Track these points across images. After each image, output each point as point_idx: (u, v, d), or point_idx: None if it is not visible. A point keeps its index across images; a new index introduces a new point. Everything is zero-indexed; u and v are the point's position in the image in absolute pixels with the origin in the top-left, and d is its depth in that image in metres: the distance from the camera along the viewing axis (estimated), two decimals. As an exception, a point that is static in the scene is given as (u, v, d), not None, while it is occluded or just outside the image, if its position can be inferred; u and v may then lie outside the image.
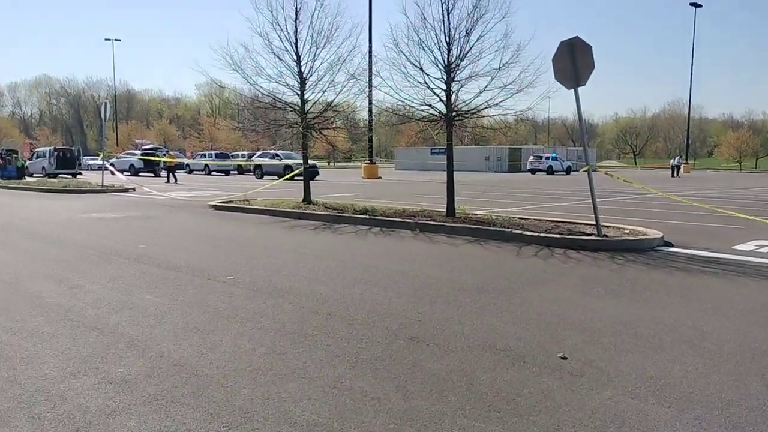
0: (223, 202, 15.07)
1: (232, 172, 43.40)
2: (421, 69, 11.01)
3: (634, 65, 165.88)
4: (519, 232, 9.40)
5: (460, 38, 10.78)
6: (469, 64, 10.89)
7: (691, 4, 59.16)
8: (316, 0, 13.17)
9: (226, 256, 7.76)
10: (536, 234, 9.16)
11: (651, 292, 5.86)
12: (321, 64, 13.42)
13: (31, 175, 31.70)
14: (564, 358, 3.93)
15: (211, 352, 4.00)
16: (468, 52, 10.81)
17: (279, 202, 14.47)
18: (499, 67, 10.57)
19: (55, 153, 33.62)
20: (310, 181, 15.12)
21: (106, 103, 22.71)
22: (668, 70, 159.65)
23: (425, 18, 10.88)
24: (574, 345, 4.20)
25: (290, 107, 13.98)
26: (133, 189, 21.94)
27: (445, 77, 10.98)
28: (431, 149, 54.54)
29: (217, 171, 43.23)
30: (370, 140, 38.30)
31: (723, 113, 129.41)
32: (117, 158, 41.35)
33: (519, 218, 11.19)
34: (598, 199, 9.61)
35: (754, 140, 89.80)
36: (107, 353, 3.97)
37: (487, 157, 59.50)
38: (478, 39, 10.75)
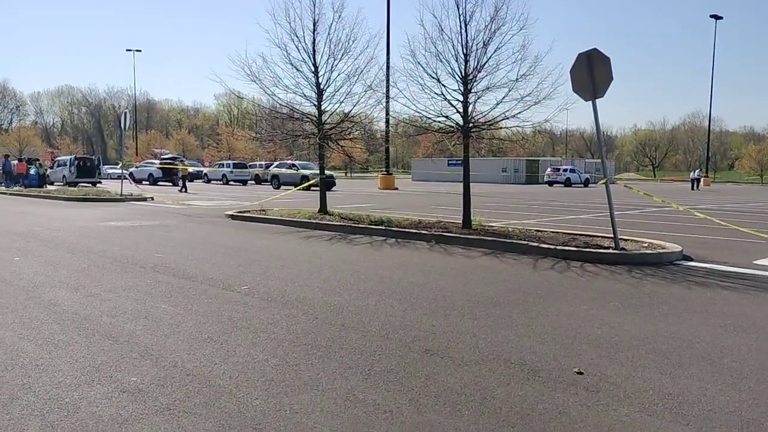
0: (240, 212, 15.16)
1: (249, 181, 43.71)
2: (438, 80, 11.03)
3: (653, 77, 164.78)
4: (535, 244, 9.33)
5: (477, 50, 10.79)
6: (486, 75, 10.90)
7: (712, 16, 58.86)
8: (334, 12, 13.28)
9: (241, 266, 7.79)
10: (553, 246, 9.08)
11: (669, 307, 5.76)
12: (338, 75, 13.51)
13: (51, 184, 32.20)
14: (580, 373, 3.87)
15: (224, 362, 4.00)
16: (485, 63, 10.82)
17: (295, 213, 14.52)
18: (517, 79, 10.57)
19: (76, 162, 34.16)
20: (327, 192, 15.17)
21: (126, 113, 23.04)
22: (688, 82, 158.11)
23: (442, 29, 10.92)
24: (590, 360, 4.14)
25: (307, 118, 14.07)
26: (152, 198, 22.18)
27: (462, 88, 10.98)
28: (448, 160, 54.51)
29: (235, 180, 43.58)
30: (387, 151, 38.41)
31: (744, 126, 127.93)
32: (136, 167, 41.88)
33: (536, 230, 11.11)
34: (616, 212, 9.52)
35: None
36: (121, 362, 3.99)
37: (504, 169, 59.38)
38: (495, 50, 10.76)
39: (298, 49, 13.35)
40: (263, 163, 46.55)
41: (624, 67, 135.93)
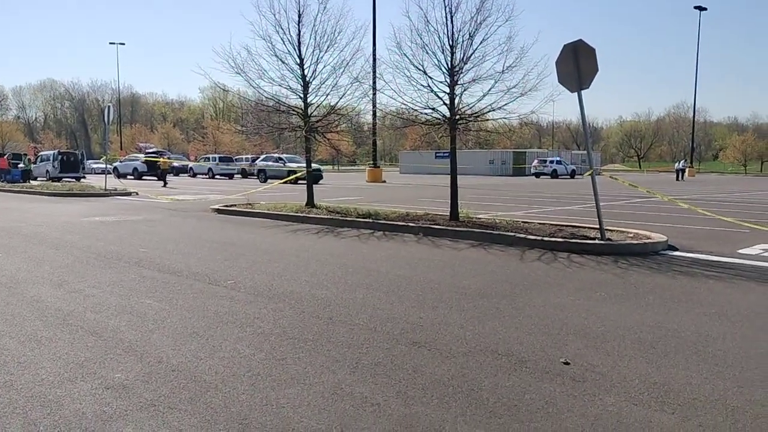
0: (226, 206, 15.06)
1: (235, 175, 43.45)
2: (425, 72, 10.99)
3: (638, 69, 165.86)
4: (522, 235, 9.35)
5: (463, 41, 10.75)
6: (473, 67, 10.88)
7: (696, 7, 59.12)
8: (319, 3, 13.18)
9: (227, 261, 7.73)
10: (540, 238, 9.11)
11: (654, 297, 5.80)
12: (324, 67, 13.43)
13: (35, 179, 31.82)
14: (566, 363, 3.88)
15: (210, 358, 3.97)
16: (471, 55, 10.79)
17: (282, 206, 14.45)
18: (503, 71, 10.55)
19: (59, 156, 33.79)
20: (314, 185, 15.11)
21: (109, 107, 22.76)
22: (673, 73, 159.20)
23: (428, 21, 10.88)
24: (576, 350, 4.15)
25: (293, 110, 13.98)
26: (136, 193, 21.98)
27: (448, 80, 10.95)
28: (436, 153, 54.50)
29: (221, 174, 43.29)
30: (374, 144, 38.31)
31: (728, 117, 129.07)
32: (121, 162, 41.47)
33: (523, 222, 11.14)
34: (602, 203, 9.56)
35: (759, 144, 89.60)
36: (105, 358, 3.94)
37: (491, 161, 59.51)
38: (481, 42, 10.72)
39: (283, 41, 13.26)
40: (249, 156, 46.25)
41: (610, 59, 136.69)
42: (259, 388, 3.45)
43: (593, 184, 9.30)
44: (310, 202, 14.34)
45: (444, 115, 11.16)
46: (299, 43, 13.29)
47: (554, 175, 48.78)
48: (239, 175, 43.35)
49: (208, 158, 46.69)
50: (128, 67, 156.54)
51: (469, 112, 11.23)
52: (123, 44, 75.11)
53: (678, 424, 3.01)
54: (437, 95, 11.06)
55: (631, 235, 9.43)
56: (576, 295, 5.88)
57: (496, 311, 5.20)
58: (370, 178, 36.35)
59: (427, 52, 10.94)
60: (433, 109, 11.24)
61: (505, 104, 10.65)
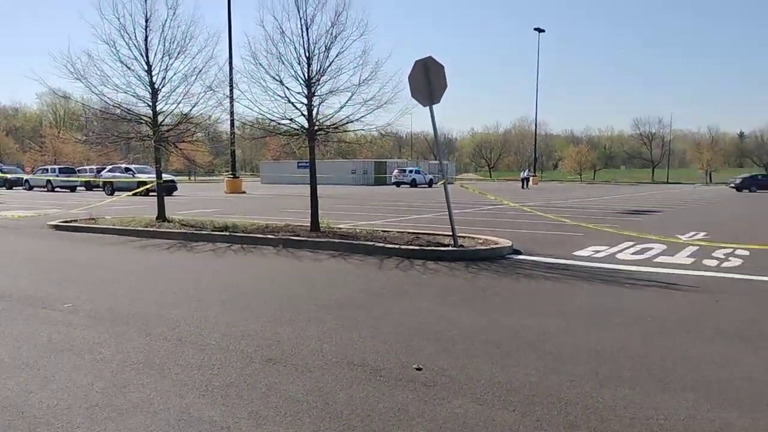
0: (66, 222, 13.79)
1: (79, 188, 40.06)
2: (281, 82, 10.90)
3: (488, 83, 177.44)
4: (381, 244, 9.55)
5: (320, 53, 10.81)
6: (330, 79, 10.97)
7: (535, 29, 64.55)
8: (168, 8, 12.57)
9: (65, 282, 7.07)
10: (398, 246, 9.36)
11: (501, 299, 6.18)
12: (174, 74, 12.82)
13: None
14: (419, 369, 3.99)
15: (41, 390, 3.59)
16: (328, 67, 10.88)
17: (130, 220, 13.53)
18: (359, 83, 10.74)
19: None
20: (168, 197, 14.34)
21: None
22: (517, 88, 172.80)
23: (284, 32, 10.80)
24: (428, 355, 4.29)
25: (142, 119, 13.19)
26: (-42, 208, 19.48)
27: (305, 92, 10.94)
28: (298, 162, 54.11)
29: (62, 187, 39.65)
30: (233, 154, 37.27)
31: (565, 129, 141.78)
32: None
33: (382, 231, 11.38)
34: (455, 211, 10.04)
35: (591, 154, 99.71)
36: None
37: (353, 171, 60.41)
38: (337, 55, 10.86)
39: (129, 47, 12.47)
40: (95, 167, 42.89)
41: (463, 73, 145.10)
42: (97, 419, 3.17)
43: (446, 193, 9.74)
44: (162, 216, 13.57)
45: (302, 126, 11.12)
46: (147, 48, 12.59)
47: (413, 184, 50.58)
48: (83, 188, 40.01)
49: (47, 170, 42.58)
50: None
51: (327, 123, 11.29)
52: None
53: (518, 421, 3.20)
54: (295, 106, 11.01)
55: (481, 241, 10.00)
56: (430, 301, 6.09)
57: (355, 322, 5.24)
58: (229, 188, 35.30)
59: (284, 63, 10.87)
60: (291, 119, 11.18)
61: (363, 116, 10.87)
